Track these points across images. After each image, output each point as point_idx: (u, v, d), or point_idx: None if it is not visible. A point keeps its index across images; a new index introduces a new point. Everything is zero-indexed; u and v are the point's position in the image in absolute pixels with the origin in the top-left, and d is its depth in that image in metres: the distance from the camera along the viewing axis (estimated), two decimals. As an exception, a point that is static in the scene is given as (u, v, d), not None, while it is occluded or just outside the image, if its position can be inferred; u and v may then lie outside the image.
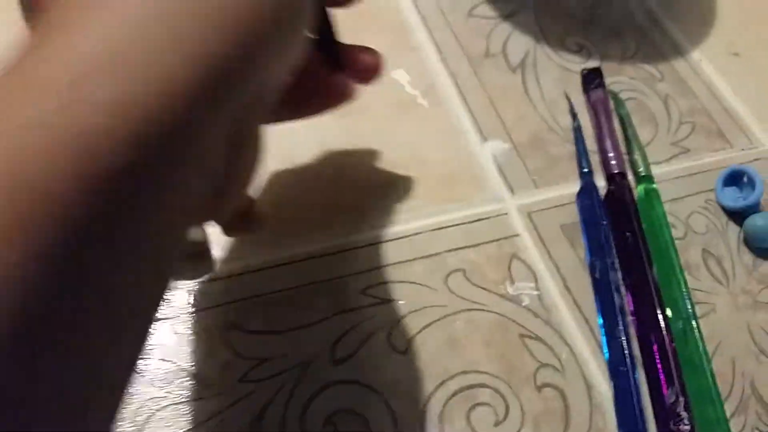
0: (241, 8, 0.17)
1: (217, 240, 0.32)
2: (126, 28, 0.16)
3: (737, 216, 0.38)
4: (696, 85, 0.45)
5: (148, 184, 0.16)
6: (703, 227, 0.37)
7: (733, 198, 0.38)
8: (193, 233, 0.31)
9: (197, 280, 0.31)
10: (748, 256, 0.36)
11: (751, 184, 0.38)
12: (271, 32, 0.19)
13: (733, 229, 0.37)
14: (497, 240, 0.35)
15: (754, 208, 0.37)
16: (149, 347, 0.29)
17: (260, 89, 0.20)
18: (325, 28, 0.27)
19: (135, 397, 0.28)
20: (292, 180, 0.35)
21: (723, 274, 0.35)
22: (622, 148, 0.39)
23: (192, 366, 0.29)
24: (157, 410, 0.28)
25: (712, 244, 0.37)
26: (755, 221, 0.36)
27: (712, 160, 0.41)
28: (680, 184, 0.39)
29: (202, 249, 0.32)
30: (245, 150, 0.22)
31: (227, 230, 0.30)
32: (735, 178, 0.39)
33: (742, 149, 0.42)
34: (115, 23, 0.16)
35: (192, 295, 0.31)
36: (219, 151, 0.19)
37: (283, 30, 0.20)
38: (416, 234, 0.34)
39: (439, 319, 0.32)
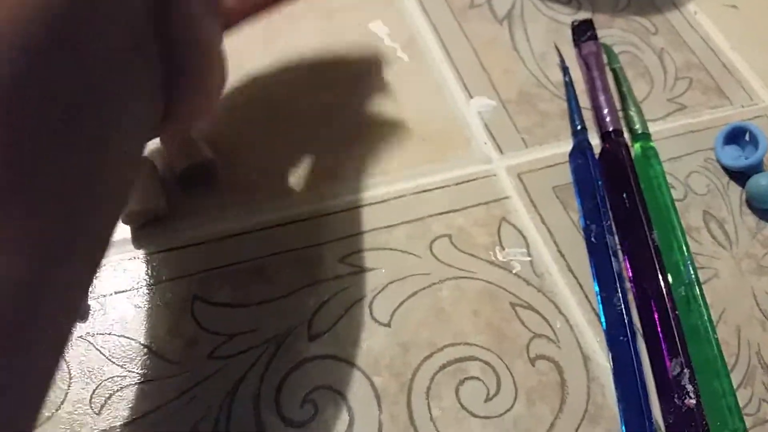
0: None
1: (176, 202, 0.31)
2: None
3: (739, 176, 0.37)
4: (692, 38, 0.44)
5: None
6: (703, 188, 0.36)
7: (734, 157, 0.37)
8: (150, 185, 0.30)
9: (163, 245, 0.29)
10: (751, 218, 0.35)
11: (754, 142, 0.36)
12: None
13: (735, 190, 0.36)
14: (485, 203, 0.33)
15: (757, 168, 0.36)
16: (108, 322, 0.27)
17: None
18: None
19: (93, 376, 0.26)
20: (262, 140, 0.33)
21: (725, 238, 0.34)
22: (617, 104, 0.38)
23: (154, 342, 0.27)
24: (118, 390, 0.26)
25: (713, 206, 0.35)
26: (759, 181, 0.35)
27: (710, 117, 0.40)
28: (678, 142, 0.38)
29: (167, 211, 0.30)
30: (193, 35, 0.20)
31: (183, 179, 0.30)
32: (736, 136, 0.38)
33: (742, 106, 0.41)
34: None
35: (152, 265, 0.29)
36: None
37: None
38: (398, 197, 0.33)
39: (423, 288, 0.30)
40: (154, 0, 0.19)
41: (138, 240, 0.30)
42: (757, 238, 0.35)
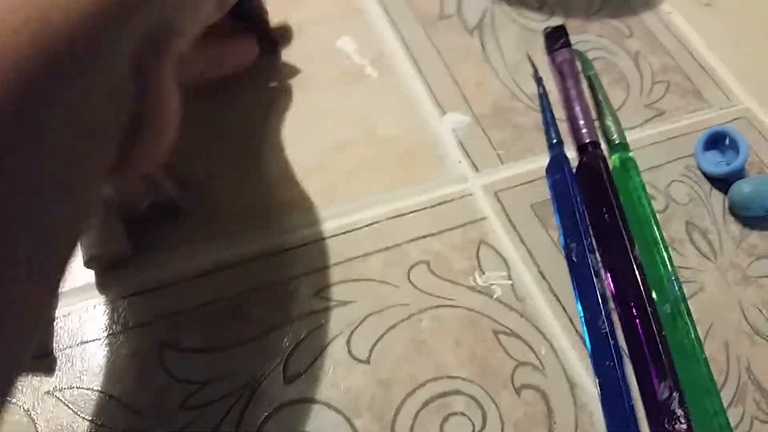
0: None
1: (142, 241, 0.29)
2: None
3: (721, 183, 0.36)
4: (667, 40, 0.43)
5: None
6: (685, 197, 0.35)
7: (715, 163, 0.37)
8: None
9: (129, 289, 0.28)
10: (734, 227, 0.35)
11: (734, 146, 0.36)
12: None
13: (717, 197, 0.36)
14: (462, 225, 0.32)
15: (739, 174, 0.35)
16: (76, 375, 0.26)
17: (168, 17, 0.20)
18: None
19: (60, 431, 0.25)
20: (230, 173, 0.32)
21: (710, 248, 0.34)
22: (593, 114, 0.37)
23: (123, 394, 0.26)
24: (85, 448, 0.25)
25: (696, 216, 0.35)
26: (742, 188, 0.34)
27: (689, 122, 0.39)
28: (657, 150, 0.37)
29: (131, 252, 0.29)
30: (154, 90, 0.20)
31: (147, 218, 0.29)
32: (715, 141, 0.37)
33: (721, 108, 0.40)
34: None
35: (118, 312, 0.28)
36: (124, 81, 0.19)
37: None
38: (371, 224, 0.32)
39: (403, 320, 0.29)
40: (142, 45, 0.19)
41: (103, 285, 0.29)
42: (741, 246, 0.34)
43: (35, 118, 0.15)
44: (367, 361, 0.28)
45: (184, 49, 0.22)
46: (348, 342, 0.28)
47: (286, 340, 0.28)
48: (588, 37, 0.42)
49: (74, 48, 0.16)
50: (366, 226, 0.32)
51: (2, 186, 0.15)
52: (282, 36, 0.37)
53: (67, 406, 0.26)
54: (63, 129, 0.16)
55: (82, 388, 0.26)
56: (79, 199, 0.18)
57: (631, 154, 0.35)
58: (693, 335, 0.30)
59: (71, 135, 0.17)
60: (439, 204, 0.33)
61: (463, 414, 0.27)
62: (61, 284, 0.19)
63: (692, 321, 0.30)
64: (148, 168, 0.23)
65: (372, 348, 0.28)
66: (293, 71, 0.36)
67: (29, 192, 0.16)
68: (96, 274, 0.29)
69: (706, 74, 0.42)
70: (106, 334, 0.27)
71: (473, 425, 0.27)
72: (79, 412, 0.25)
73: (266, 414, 0.26)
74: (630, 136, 0.37)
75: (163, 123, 0.21)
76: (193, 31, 0.23)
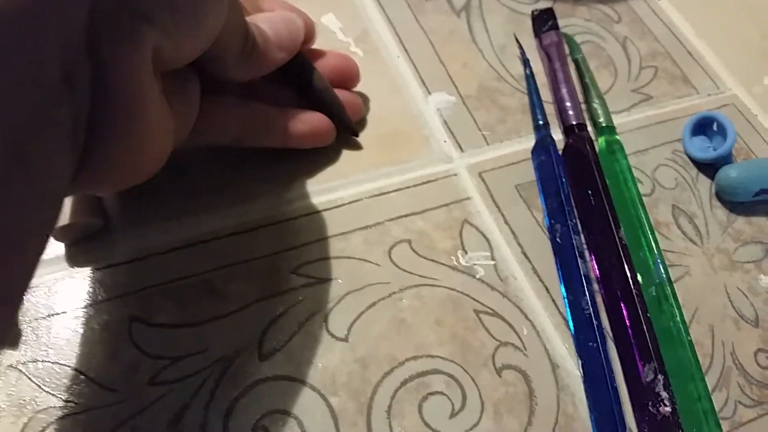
0: None
1: (114, 212, 0.28)
2: None
3: (708, 168, 0.36)
4: (655, 25, 0.42)
5: None
6: (671, 181, 0.35)
7: (703, 148, 0.36)
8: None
9: (98, 262, 0.27)
10: (721, 212, 0.34)
11: (722, 132, 0.35)
12: None
13: (704, 182, 0.35)
14: (446, 204, 0.32)
15: (725, 159, 0.35)
16: (41, 348, 0.25)
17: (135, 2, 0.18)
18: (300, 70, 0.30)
19: (24, 408, 0.24)
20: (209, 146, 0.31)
21: (696, 233, 0.33)
22: (580, 97, 0.37)
23: (91, 369, 0.25)
24: (52, 422, 0.24)
25: (682, 200, 0.34)
26: (728, 173, 0.34)
27: (677, 107, 0.38)
28: (644, 134, 0.37)
29: (102, 223, 0.28)
30: (119, 83, 0.18)
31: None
32: (703, 127, 0.37)
33: (709, 94, 0.40)
34: None
35: (87, 285, 0.27)
36: (79, 56, 0.17)
37: None
38: (353, 201, 0.31)
39: (383, 299, 0.28)
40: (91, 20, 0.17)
41: (72, 257, 0.28)
42: (728, 232, 0.34)
43: None
44: (346, 339, 0.27)
45: (170, 55, 0.20)
46: (326, 319, 0.27)
47: (262, 317, 0.27)
48: (576, 21, 0.41)
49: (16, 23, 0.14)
50: (347, 203, 0.31)
51: None
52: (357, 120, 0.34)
53: (31, 379, 0.25)
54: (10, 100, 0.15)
55: (48, 361, 0.25)
56: (40, 190, 0.16)
57: (617, 137, 0.35)
58: (678, 318, 0.29)
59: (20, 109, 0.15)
60: (423, 183, 0.32)
61: (442, 393, 0.27)
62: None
63: (678, 304, 0.30)
64: (112, 181, 0.21)
65: (351, 326, 0.28)
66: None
67: None
68: (66, 246, 0.28)
69: (695, 61, 0.41)
70: (74, 307, 0.26)
71: (453, 405, 0.26)
72: (43, 386, 0.25)
73: (240, 391, 0.25)
74: (616, 120, 0.36)
75: (128, 123, 0.19)
76: (186, 41, 0.20)
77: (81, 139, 0.18)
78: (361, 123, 0.34)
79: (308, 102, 0.31)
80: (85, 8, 0.16)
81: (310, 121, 0.31)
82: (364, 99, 0.34)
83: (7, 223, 0.15)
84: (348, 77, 0.32)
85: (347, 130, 0.32)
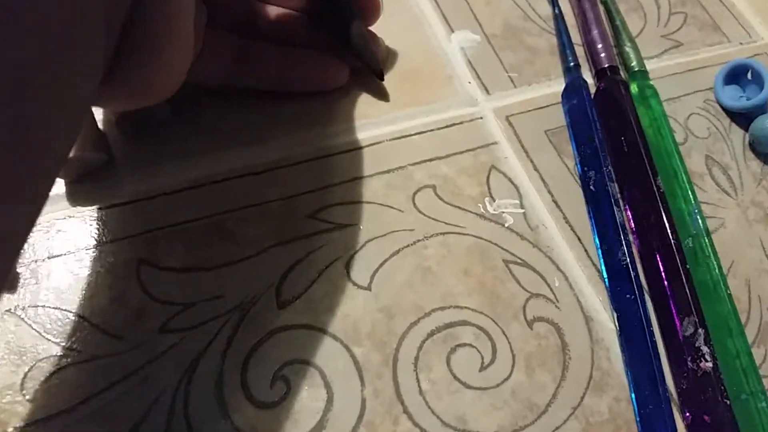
0: None
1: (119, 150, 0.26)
2: None
3: (741, 118, 0.34)
4: (685, -30, 0.40)
5: None
6: (704, 131, 0.33)
7: (735, 97, 0.34)
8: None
9: (102, 201, 0.25)
10: (755, 163, 0.33)
11: (757, 80, 0.33)
12: None
13: (737, 133, 0.34)
14: (472, 149, 0.30)
15: (761, 109, 0.33)
16: (41, 292, 0.23)
17: None
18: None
19: (24, 356, 0.22)
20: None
21: (730, 184, 0.32)
22: (611, 40, 0.35)
23: (96, 315, 0.23)
24: (54, 372, 0.22)
25: (715, 150, 0.33)
26: (764, 123, 0.32)
27: (708, 55, 0.36)
28: (675, 82, 0.35)
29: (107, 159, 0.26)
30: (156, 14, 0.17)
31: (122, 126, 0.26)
32: (737, 75, 0.35)
33: (740, 43, 0.38)
34: None
35: (91, 225, 0.25)
36: None
37: None
38: (375, 144, 0.29)
39: (407, 246, 0.27)
40: None
41: (74, 195, 0.25)
42: (762, 184, 0.32)
43: None
44: (368, 288, 0.25)
45: None
46: (347, 267, 0.26)
47: (279, 262, 0.25)
48: (603, -38, 0.39)
49: None
50: (369, 145, 0.29)
51: None
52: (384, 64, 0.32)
53: (31, 326, 0.23)
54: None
55: (49, 306, 0.23)
56: (68, 100, 0.15)
57: (650, 82, 0.33)
58: (717, 271, 0.28)
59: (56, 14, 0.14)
60: (447, 126, 0.30)
61: (471, 346, 0.25)
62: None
63: (716, 256, 0.28)
64: (137, 94, 0.19)
65: (373, 274, 0.26)
66: None
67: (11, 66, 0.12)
68: (66, 183, 0.26)
69: (725, 8, 0.39)
70: (76, 248, 0.24)
71: (482, 358, 0.25)
72: (44, 333, 0.23)
73: (258, 339, 0.23)
74: (647, 66, 0.34)
75: (165, 40, 0.18)
76: None
77: (113, 46, 0.16)
78: (385, 65, 0.31)
79: (333, 43, 0.29)
80: None
81: (313, 63, 0.29)
82: (385, 35, 0.32)
83: (29, 128, 0.13)
84: (369, 11, 0.30)
85: (375, 74, 0.30)
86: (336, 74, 0.29)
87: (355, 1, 0.29)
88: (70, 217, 0.25)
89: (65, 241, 0.24)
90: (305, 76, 0.29)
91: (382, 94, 0.30)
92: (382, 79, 0.30)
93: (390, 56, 0.32)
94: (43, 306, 0.23)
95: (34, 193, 0.15)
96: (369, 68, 0.29)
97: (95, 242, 0.24)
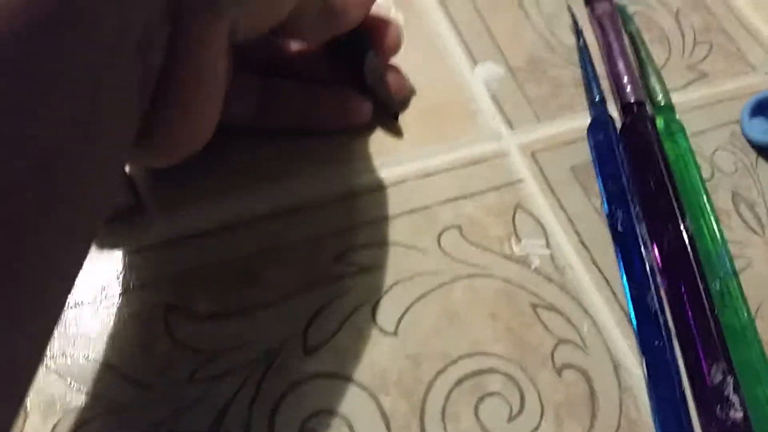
0: None
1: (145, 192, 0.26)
2: None
3: (768, 152, 0.34)
4: (709, -4, 0.40)
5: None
6: (731, 166, 0.33)
7: (763, 131, 0.34)
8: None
9: (130, 244, 0.25)
10: (783, 199, 0.33)
11: (785, 114, 0.33)
12: None
13: (764, 167, 0.33)
14: (497, 188, 0.30)
15: (789, 143, 0.33)
16: (69, 342, 0.23)
17: None
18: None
19: (52, 406, 0.22)
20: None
21: (757, 222, 0.32)
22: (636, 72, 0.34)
23: (124, 363, 0.23)
24: (83, 423, 0.22)
25: (742, 186, 0.32)
26: (794, 159, 0.32)
27: (734, 86, 0.36)
28: (700, 114, 0.35)
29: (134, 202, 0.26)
30: (193, 52, 0.17)
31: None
32: (764, 108, 0.35)
33: (766, 73, 0.37)
34: None
35: (118, 270, 0.25)
36: (154, 15, 0.15)
37: None
38: (399, 183, 0.29)
39: (433, 289, 0.27)
40: None
41: (101, 239, 0.26)
42: (790, 221, 0.32)
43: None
44: (395, 333, 0.25)
45: (244, 29, 0.19)
46: (373, 312, 0.26)
47: (305, 308, 0.25)
48: (626, -11, 0.39)
49: None
50: (392, 185, 0.29)
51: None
52: (403, 103, 0.31)
53: (59, 375, 0.23)
54: (79, 82, 0.13)
55: (77, 355, 0.23)
56: (100, 169, 0.15)
57: (677, 117, 0.33)
58: (745, 314, 0.28)
59: (98, 77, 0.14)
60: (472, 164, 0.30)
61: (499, 395, 0.25)
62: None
63: (744, 299, 0.28)
64: (165, 154, 0.20)
65: (400, 319, 0.26)
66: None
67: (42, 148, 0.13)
68: (92, 226, 0.26)
69: (751, 36, 0.39)
70: (104, 295, 0.24)
71: (510, 407, 0.25)
72: (72, 383, 0.23)
73: (284, 388, 0.24)
74: (672, 99, 0.34)
75: (193, 99, 0.18)
76: (264, 13, 0.19)
77: (145, 104, 0.16)
78: (404, 103, 0.31)
79: (353, 78, 0.28)
80: None
81: (335, 101, 0.29)
82: (406, 68, 0.32)
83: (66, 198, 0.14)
84: (387, 44, 0.30)
85: (389, 113, 0.30)
86: (359, 110, 0.29)
87: (370, 35, 0.29)
88: (96, 261, 0.25)
89: (92, 288, 0.25)
90: (328, 114, 0.29)
91: (399, 131, 0.30)
92: (396, 119, 0.30)
93: (412, 91, 0.32)
94: (71, 355, 0.23)
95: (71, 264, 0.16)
96: (384, 107, 0.29)
97: (123, 288, 0.25)
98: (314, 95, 0.29)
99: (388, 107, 0.29)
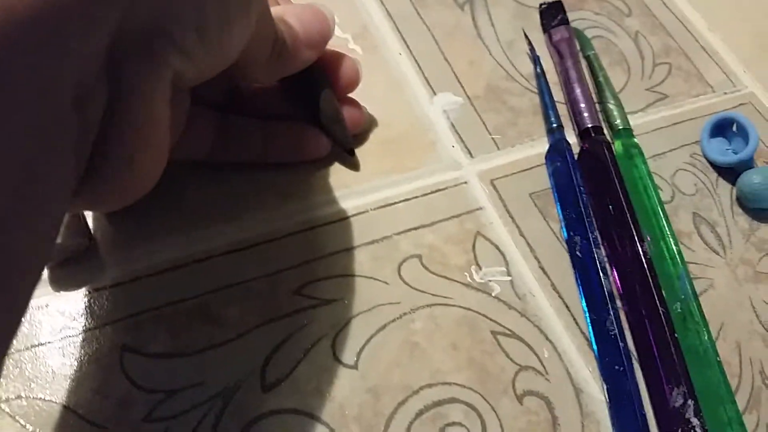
0: None
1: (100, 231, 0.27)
2: None
3: (728, 172, 0.34)
4: (668, 19, 0.41)
5: None
6: (691, 187, 0.34)
7: (722, 151, 0.35)
8: None
9: (85, 286, 0.26)
10: (743, 219, 0.33)
11: (742, 134, 0.34)
12: None
13: (725, 188, 0.34)
14: (457, 216, 0.30)
15: (747, 164, 0.33)
16: (24, 384, 0.23)
17: (162, 22, 0.17)
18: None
19: (4, 449, 0.22)
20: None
21: (718, 242, 0.32)
22: (593, 97, 0.35)
23: (80, 405, 0.23)
24: (36, 466, 0.22)
25: (702, 207, 0.33)
26: (752, 179, 0.33)
27: (693, 107, 0.37)
28: (661, 136, 0.35)
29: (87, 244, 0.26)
30: (131, 104, 0.17)
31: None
32: (722, 128, 0.35)
33: (725, 92, 0.38)
34: None
35: (74, 311, 0.25)
36: (95, 79, 0.16)
37: None
38: (358, 214, 0.29)
39: (394, 320, 0.27)
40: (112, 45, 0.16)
41: (57, 281, 0.26)
42: (751, 240, 0.33)
43: None
44: (355, 366, 0.26)
45: (190, 77, 0.19)
46: (333, 345, 0.26)
47: (263, 343, 0.25)
48: (585, 14, 0.40)
49: (35, 35, 0.13)
50: (351, 216, 0.29)
51: None
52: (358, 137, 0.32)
53: (14, 418, 0.23)
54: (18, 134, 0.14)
55: (33, 397, 0.23)
56: (39, 222, 0.15)
57: (635, 140, 0.34)
58: (705, 337, 0.28)
59: (29, 141, 0.14)
60: (432, 192, 0.31)
61: (461, 425, 0.25)
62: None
63: (705, 321, 0.28)
64: (111, 202, 0.20)
65: (360, 351, 0.26)
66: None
67: None
68: (49, 268, 0.26)
69: (709, 56, 0.40)
70: (60, 336, 0.25)
71: (472, 437, 0.25)
72: (28, 425, 0.23)
73: (243, 426, 0.24)
74: (632, 121, 0.35)
75: (136, 150, 0.18)
76: (210, 62, 0.20)
77: (85, 159, 0.16)
78: (362, 135, 0.32)
79: (309, 114, 0.29)
80: (112, 27, 0.15)
81: (292, 136, 0.29)
82: (365, 100, 0.32)
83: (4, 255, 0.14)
84: (348, 82, 0.30)
85: (344, 148, 0.30)
86: (316, 146, 0.30)
87: (326, 72, 0.29)
88: (52, 303, 0.25)
89: (48, 329, 0.25)
90: (285, 148, 0.29)
91: (356, 165, 0.31)
92: (353, 155, 0.31)
93: (371, 122, 0.32)
94: (27, 397, 0.23)
95: (10, 305, 0.16)
96: (338, 143, 0.30)
97: (78, 329, 0.25)
98: (271, 131, 0.29)
99: (343, 144, 0.30)
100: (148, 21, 0.16)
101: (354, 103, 0.31)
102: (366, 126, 0.32)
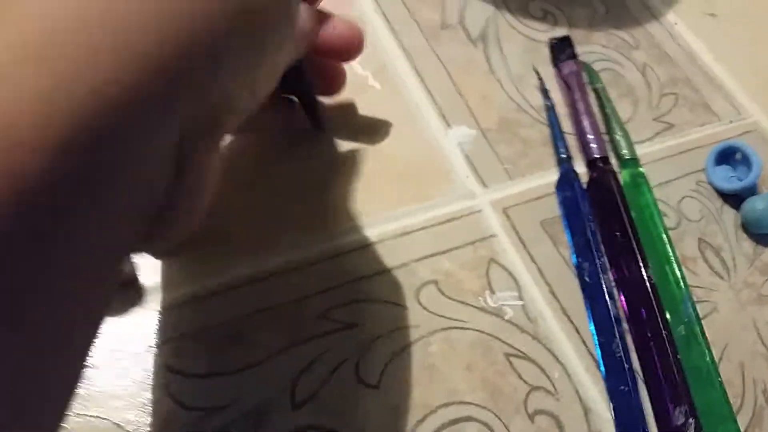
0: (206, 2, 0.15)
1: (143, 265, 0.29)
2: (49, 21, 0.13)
3: (733, 198, 0.37)
4: (674, 51, 0.44)
5: (78, 200, 0.14)
6: (696, 214, 0.36)
7: (726, 178, 0.37)
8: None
9: (124, 315, 0.28)
10: (747, 244, 0.36)
11: (746, 161, 0.36)
12: (243, 30, 0.17)
13: (729, 214, 0.36)
14: (472, 243, 0.33)
15: (751, 190, 0.36)
16: (81, 401, 0.26)
17: (221, 104, 0.18)
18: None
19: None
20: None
21: (723, 267, 0.34)
22: (601, 127, 0.38)
23: (130, 423, 0.26)
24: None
25: (708, 233, 0.35)
26: (755, 205, 0.35)
27: (699, 135, 0.40)
28: (667, 165, 0.38)
29: (128, 278, 0.29)
30: (194, 174, 0.19)
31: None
32: (727, 156, 0.38)
33: (731, 121, 0.41)
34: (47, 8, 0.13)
35: (119, 335, 0.28)
36: (164, 167, 0.17)
37: (259, 32, 0.18)
38: (377, 242, 0.32)
39: (412, 343, 0.29)
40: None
41: (109, 309, 0.28)
42: (755, 265, 0.35)
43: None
44: (377, 386, 0.28)
45: (234, 128, 0.21)
46: (357, 366, 0.28)
47: (293, 364, 0.28)
48: (593, 48, 0.42)
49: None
50: (371, 244, 0.32)
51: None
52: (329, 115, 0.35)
53: (65, 435, 0.26)
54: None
55: (87, 415, 0.26)
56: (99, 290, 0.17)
57: (641, 169, 0.36)
58: (708, 358, 0.30)
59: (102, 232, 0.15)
60: (447, 221, 0.33)
61: (476, 441, 0.28)
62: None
63: (707, 343, 0.31)
64: (165, 249, 0.22)
65: (381, 372, 0.28)
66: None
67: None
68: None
69: (715, 86, 0.42)
70: (112, 358, 0.27)
71: (487, 452, 0.27)
72: (78, 442, 0.25)
73: (274, 442, 0.26)
74: (639, 151, 0.37)
75: (196, 207, 0.20)
76: (250, 109, 0.21)
77: (146, 224, 0.18)
78: (357, 136, 0.35)
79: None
80: (178, 125, 0.17)
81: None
82: (383, 133, 0.35)
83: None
84: (352, 49, 0.32)
85: (314, 123, 0.34)
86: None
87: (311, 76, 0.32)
88: (106, 326, 0.28)
89: (95, 351, 0.27)
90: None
91: (380, 188, 0.34)
92: (321, 129, 0.34)
93: (391, 153, 0.35)
94: (77, 413, 0.26)
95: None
96: (312, 117, 0.33)
97: (128, 351, 0.27)
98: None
99: (316, 119, 0.33)
100: (217, 100, 0.18)
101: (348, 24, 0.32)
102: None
